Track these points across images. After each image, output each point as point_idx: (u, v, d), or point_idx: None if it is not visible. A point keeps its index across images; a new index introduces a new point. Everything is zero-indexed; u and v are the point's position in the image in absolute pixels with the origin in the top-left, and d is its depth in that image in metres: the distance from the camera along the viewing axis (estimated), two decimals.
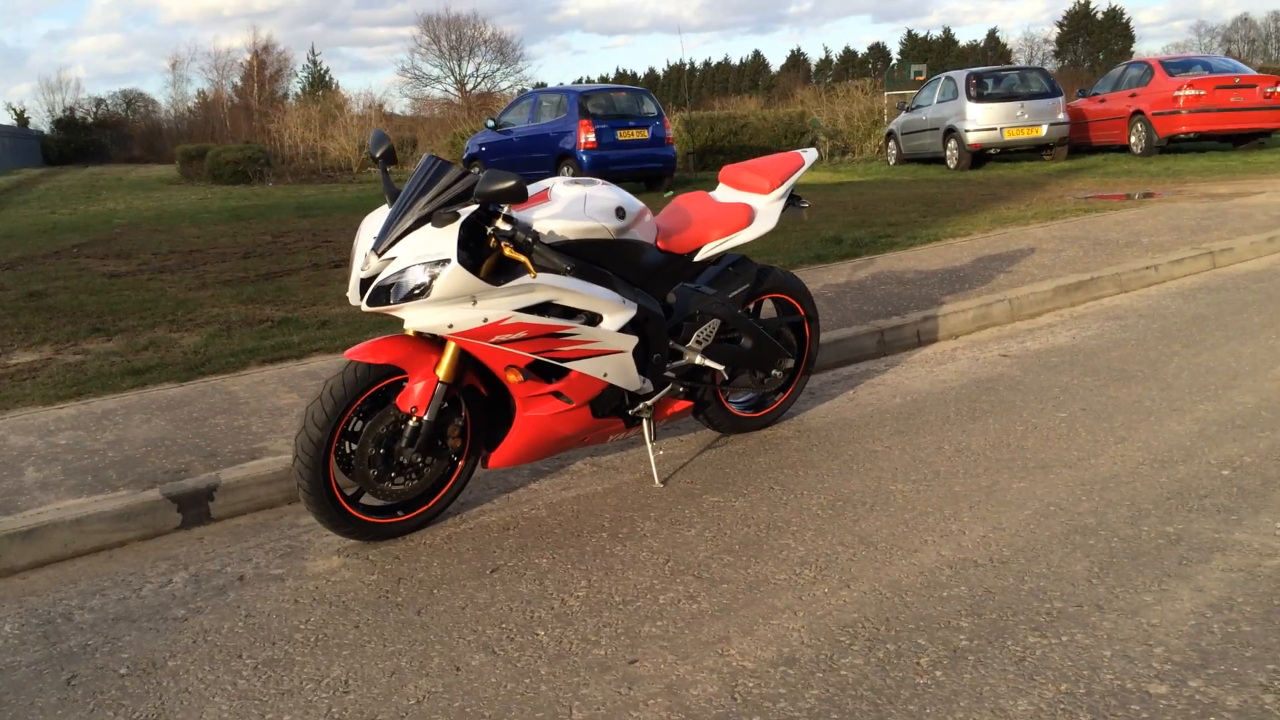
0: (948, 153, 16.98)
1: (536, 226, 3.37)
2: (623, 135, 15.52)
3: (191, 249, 10.58)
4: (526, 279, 3.27)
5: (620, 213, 3.58)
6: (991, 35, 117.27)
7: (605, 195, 3.61)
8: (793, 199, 4.13)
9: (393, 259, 3.21)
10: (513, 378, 3.37)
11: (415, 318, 3.22)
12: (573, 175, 14.79)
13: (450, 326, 3.22)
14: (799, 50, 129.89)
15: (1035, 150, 16.96)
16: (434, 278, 3.13)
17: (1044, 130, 16.34)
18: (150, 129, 52.45)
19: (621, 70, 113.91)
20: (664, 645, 2.65)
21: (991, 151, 16.66)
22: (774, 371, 4.17)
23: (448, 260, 3.13)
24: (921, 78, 37.41)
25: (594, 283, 3.51)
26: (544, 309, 3.36)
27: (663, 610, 2.84)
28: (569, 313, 3.43)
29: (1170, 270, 6.78)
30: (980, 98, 16.40)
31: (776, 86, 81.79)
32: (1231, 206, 9.29)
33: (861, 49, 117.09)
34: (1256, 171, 12.60)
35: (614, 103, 16.13)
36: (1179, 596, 2.65)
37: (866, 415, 4.41)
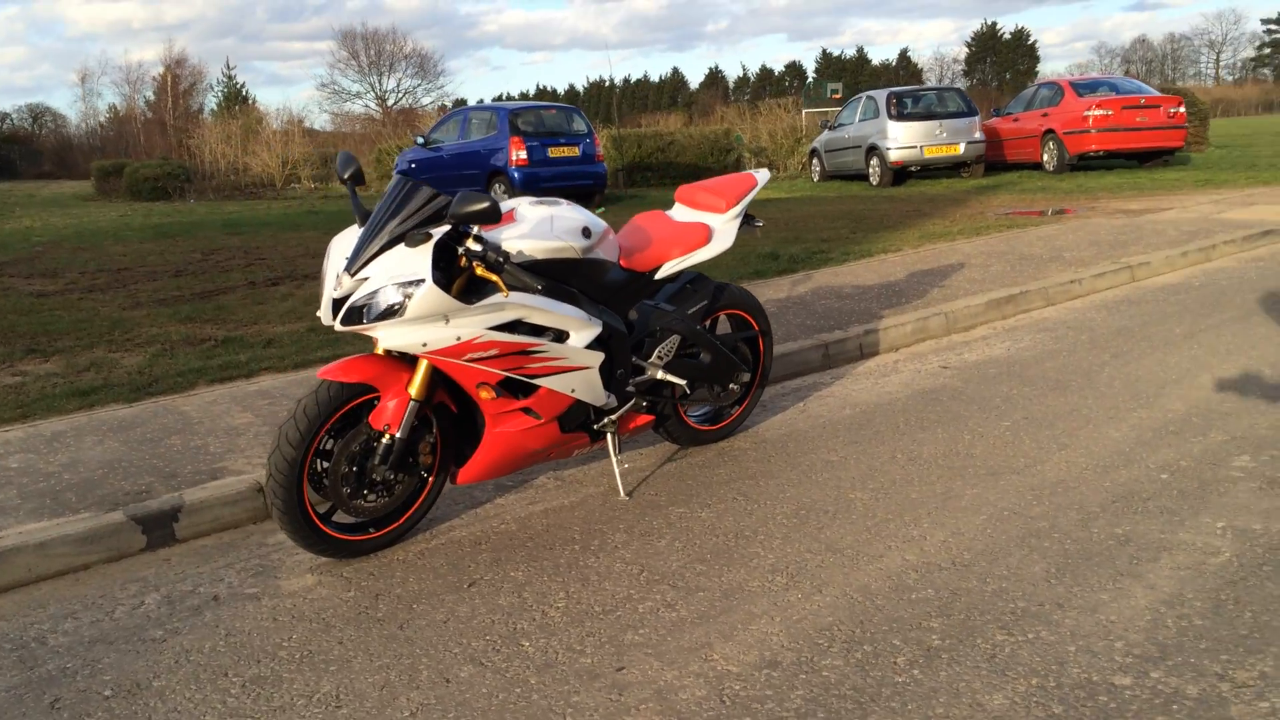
0: (870, 170, 17.38)
1: (505, 246, 3.44)
2: (554, 152, 15.61)
3: (120, 267, 10.39)
4: (498, 298, 3.34)
5: (586, 232, 3.67)
6: (903, 55, 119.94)
7: (571, 215, 3.69)
8: (747, 218, 4.26)
9: (366, 279, 3.25)
10: (485, 394, 3.43)
11: (390, 337, 3.26)
12: (504, 192, 14.86)
13: (424, 345, 3.27)
14: (717, 68, 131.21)
15: (953, 168, 17.44)
16: (409, 297, 3.18)
17: (962, 148, 16.82)
18: (60, 144, 51.11)
19: (542, 86, 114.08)
20: (648, 652, 2.73)
21: (912, 169, 17.10)
22: (731, 385, 4.29)
23: (423, 280, 3.18)
24: (838, 96, 38.19)
25: (561, 301, 3.58)
26: (514, 327, 3.43)
27: (643, 619, 2.92)
28: (538, 330, 3.51)
29: (1093, 284, 7.07)
30: (901, 116, 16.83)
31: (696, 103, 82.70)
32: (1144, 222, 9.69)
33: (778, 67, 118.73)
34: (1164, 188, 13.14)
35: (544, 120, 16.21)
36: (1133, 594, 2.81)
37: (819, 426, 4.55)
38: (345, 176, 3.62)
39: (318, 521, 3.39)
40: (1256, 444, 3.86)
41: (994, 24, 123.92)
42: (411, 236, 3.25)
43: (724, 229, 4.14)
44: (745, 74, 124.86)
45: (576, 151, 15.89)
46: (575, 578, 3.23)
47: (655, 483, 4.02)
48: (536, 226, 3.56)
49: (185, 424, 4.75)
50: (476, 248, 3.26)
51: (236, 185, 26.04)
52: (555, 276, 3.59)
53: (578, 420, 3.77)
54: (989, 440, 4.18)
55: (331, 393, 3.31)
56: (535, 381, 3.53)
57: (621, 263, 3.89)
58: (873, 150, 17.17)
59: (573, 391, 3.66)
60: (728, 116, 27.22)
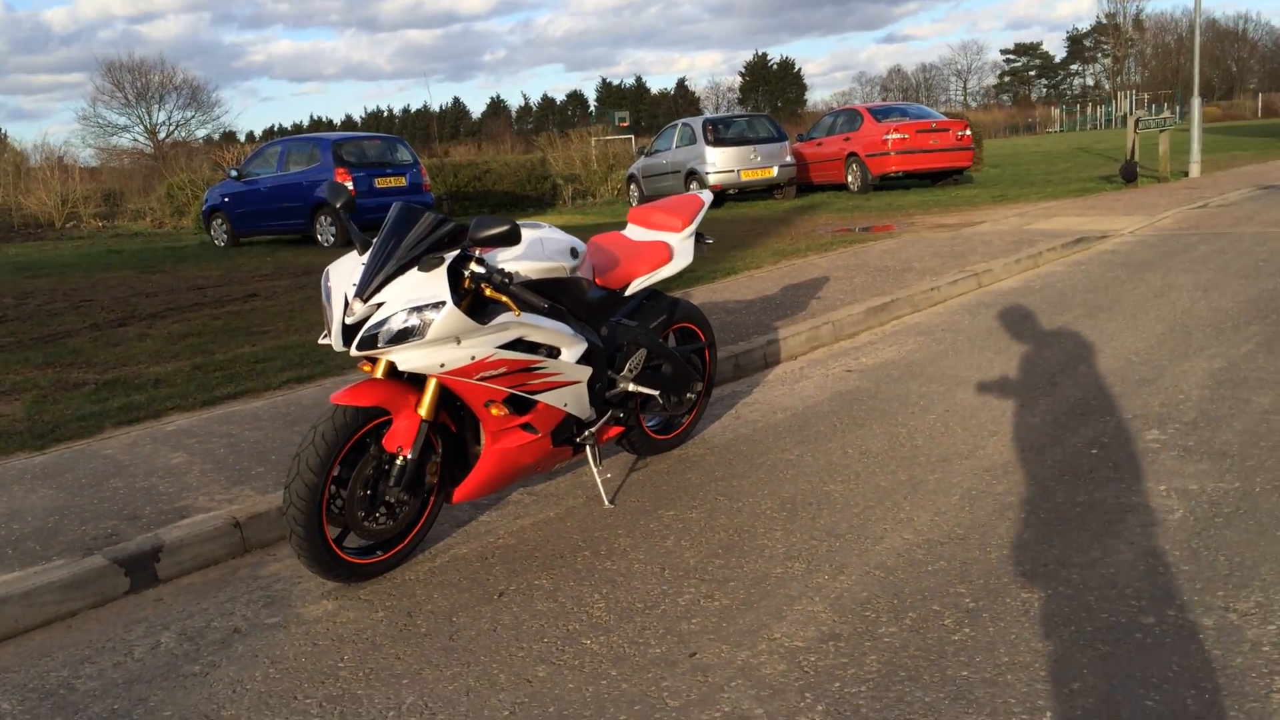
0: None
1: (504, 268, 3.55)
2: (381, 183, 15.44)
3: None
4: (509, 317, 3.45)
5: (574, 252, 3.82)
6: (681, 84, 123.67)
7: (558, 237, 3.84)
8: (698, 236, 4.51)
9: (381, 304, 3.30)
10: (495, 411, 3.53)
11: (409, 359, 3.32)
12: (330, 225, 14.58)
13: (442, 365, 3.35)
14: (499, 97, 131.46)
15: (767, 190, 18.28)
16: (429, 320, 3.26)
17: (775, 171, 17.69)
18: None
19: (316, 117, 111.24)
20: (712, 638, 2.91)
21: (730, 192, 17.82)
22: (688, 395, 4.51)
23: (443, 302, 3.27)
24: (625, 124, 39.07)
25: (552, 319, 3.72)
26: (516, 345, 3.55)
27: (689, 611, 3.10)
28: (535, 347, 3.63)
29: (949, 290, 7.69)
30: (718, 142, 17.55)
31: (481, 132, 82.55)
32: (968, 234, 10.54)
33: (560, 96, 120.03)
34: (965, 205, 14.25)
35: (368, 150, 16.02)
36: (1119, 550, 3.20)
37: (761, 430, 4.83)
38: (338, 205, 3.65)
39: (334, 547, 3.40)
40: (1158, 420, 4.39)
41: (764, 54, 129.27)
42: (425, 261, 3.32)
43: (682, 246, 4.37)
44: (528, 103, 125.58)
45: (404, 182, 15.77)
46: (602, 580, 3.37)
47: (630, 491, 4.18)
48: (529, 248, 3.69)
49: (117, 467, 4.58)
50: (481, 270, 3.37)
51: (10, 226, 24.33)
52: (546, 295, 3.72)
53: (566, 434, 3.91)
54: (924, 432, 4.56)
55: (348, 417, 3.34)
56: (535, 397, 3.65)
57: (598, 281, 4.06)
58: (692, 175, 17.80)
59: (565, 406, 3.80)
60: (538, 145, 27.42)
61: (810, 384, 5.60)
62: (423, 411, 3.43)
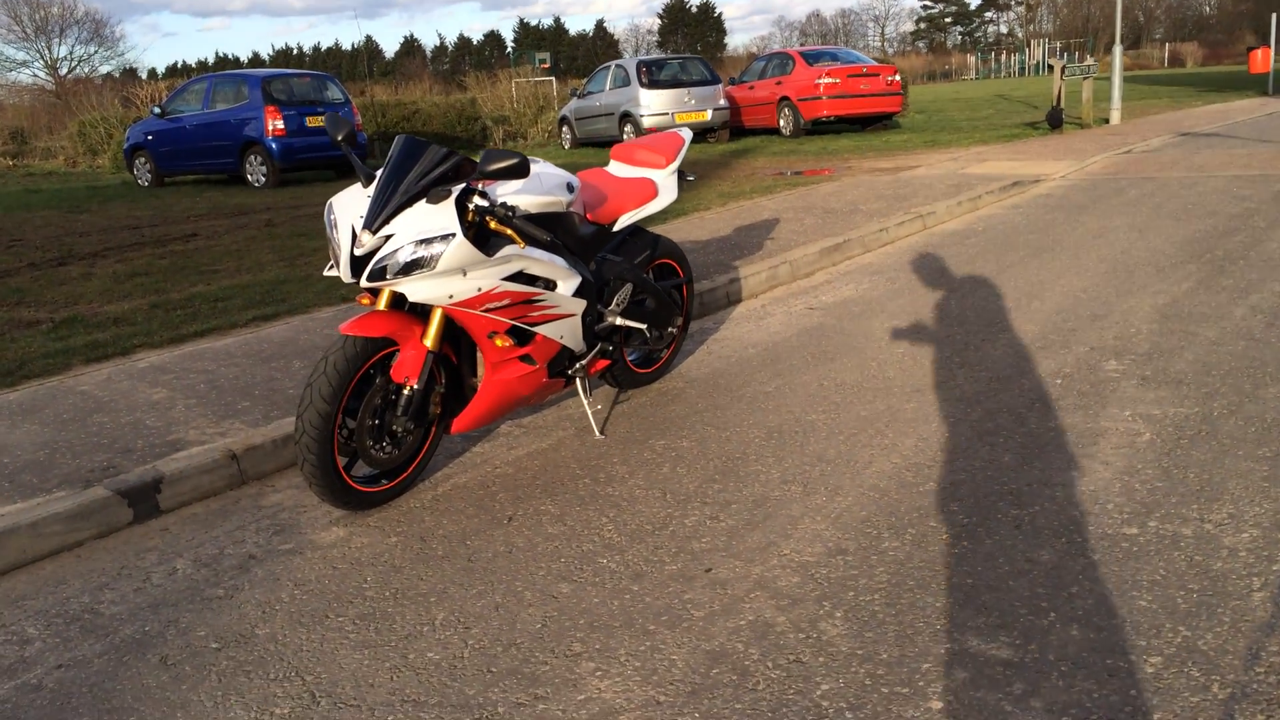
0: (624, 136, 17.98)
1: (504, 200, 3.62)
2: (312, 122, 15.16)
3: None
4: (512, 249, 3.53)
5: (570, 187, 3.90)
6: (600, 26, 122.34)
7: (554, 171, 3.91)
8: (680, 173, 4.60)
9: (390, 235, 3.35)
10: (500, 342, 3.61)
11: (419, 290, 3.38)
12: (261, 164, 14.29)
13: (450, 297, 3.42)
14: (413, 36, 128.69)
15: (701, 133, 18.33)
16: (440, 251, 3.32)
17: (709, 115, 17.75)
18: None
19: (222, 54, 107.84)
20: (725, 555, 3.07)
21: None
22: (670, 329, 4.63)
23: (453, 234, 3.33)
24: (545, 65, 38.60)
25: (550, 252, 3.80)
26: (516, 277, 3.63)
27: (697, 531, 3.24)
28: (533, 280, 3.72)
29: (897, 231, 7.90)
30: (652, 85, 17.54)
31: (396, 72, 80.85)
32: (906, 178, 10.78)
33: (476, 36, 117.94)
34: (898, 149, 14.51)
35: (298, 88, 15.69)
36: (1094, 470, 3.42)
37: (734, 364, 4.98)
38: (340, 138, 3.67)
39: (345, 475, 3.47)
40: (1115, 352, 4.64)
41: None
42: (433, 193, 3.37)
43: (666, 183, 4.46)
44: (443, 43, 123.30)
45: None
46: (607, 505, 3.50)
47: (619, 422, 4.31)
48: (528, 182, 3.75)
49: (97, 403, 4.56)
50: (484, 203, 3.43)
51: None
52: (543, 229, 3.79)
53: (560, 366, 4.01)
54: (893, 365, 4.75)
55: (358, 347, 3.39)
56: (534, 329, 3.74)
57: (589, 216, 4.14)
58: (626, 117, 17.78)
59: (561, 338, 3.90)
60: (463, 85, 27.00)
61: (775, 320, 5.76)
62: (428, 342, 3.50)
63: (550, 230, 3.83)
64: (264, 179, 15.02)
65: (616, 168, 4.56)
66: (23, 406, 4.56)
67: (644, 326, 4.32)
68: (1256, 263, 6.11)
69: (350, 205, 3.52)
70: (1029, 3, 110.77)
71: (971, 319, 5.41)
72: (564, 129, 20.32)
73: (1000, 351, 4.80)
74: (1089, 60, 16.20)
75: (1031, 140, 14.51)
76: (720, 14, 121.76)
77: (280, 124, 14.72)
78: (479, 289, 3.46)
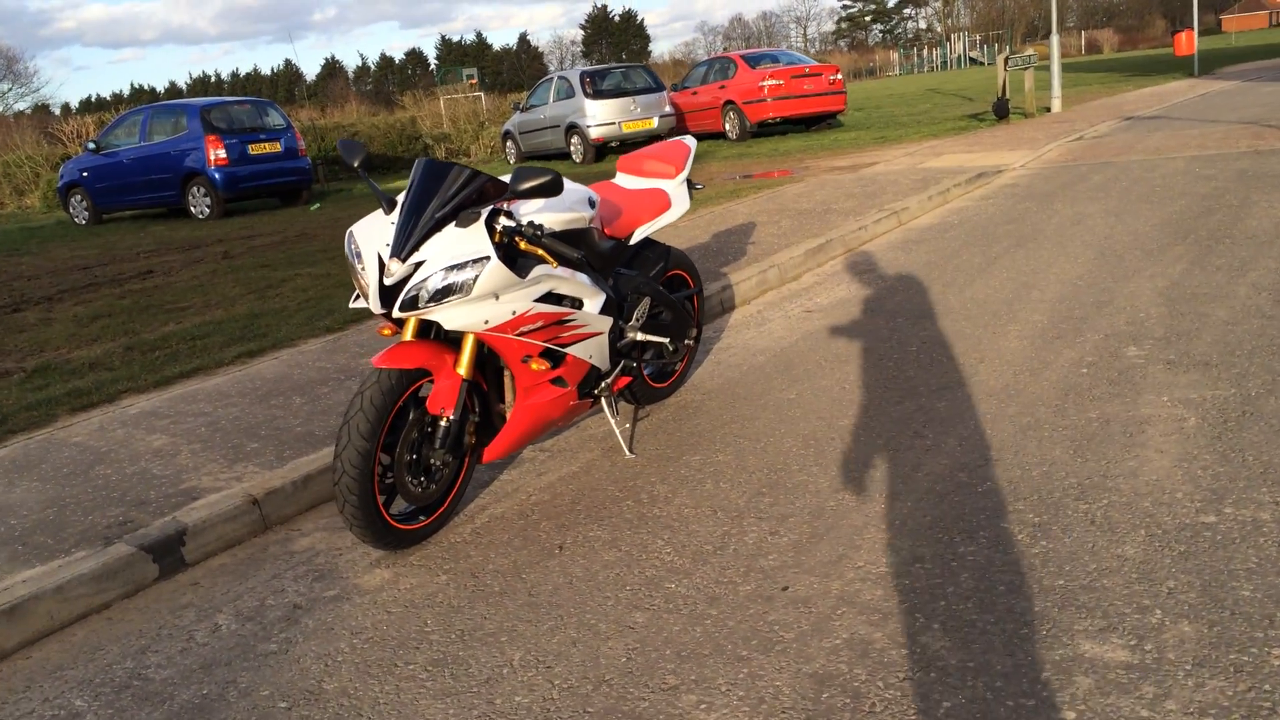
0: (571, 148, 17.88)
1: (528, 220, 3.50)
2: (255, 149, 14.85)
3: None
4: (545, 269, 3.41)
5: (591, 202, 3.79)
6: (523, 39, 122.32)
7: (575, 187, 3.80)
8: (688, 182, 4.51)
9: (421, 262, 3.22)
10: (535, 366, 3.49)
11: (453, 317, 3.25)
12: (205, 195, 13.97)
13: (486, 322, 3.29)
14: (334, 58, 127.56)
15: (648, 141, 18.27)
16: (475, 276, 3.20)
17: (655, 122, 17.71)
18: None
19: (137, 86, 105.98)
20: (798, 571, 2.97)
21: (612, 144, 17.77)
22: (686, 341, 4.54)
23: (487, 257, 3.21)
24: (473, 81, 38.41)
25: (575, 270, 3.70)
26: (545, 298, 3.51)
27: (761, 548, 3.15)
28: (560, 300, 3.60)
29: (874, 229, 7.89)
30: (597, 95, 17.45)
31: (320, 95, 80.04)
32: (869, 175, 10.81)
33: (398, 55, 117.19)
34: (849, 147, 14.57)
35: (238, 116, 15.35)
36: (1152, 459, 3.39)
37: (747, 373, 4.90)
38: (355, 164, 3.52)
39: (385, 514, 3.33)
40: (1131, 337, 4.63)
41: (604, 6, 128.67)
42: (463, 216, 3.25)
43: (678, 193, 4.37)
44: (365, 63, 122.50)
45: (278, 147, 15.21)
46: (659, 527, 3.39)
47: (645, 440, 4.20)
48: (551, 199, 3.64)
49: (95, 454, 4.36)
50: (511, 224, 3.32)
51: None
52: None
53: (589, 386, 3.90)
54: (911, 364, 4.70)
55: (393, 380, 3.26)
56: (565, 350, 3.63)
57: (606, 231, 4.03)
58: (573, 129, 17.67)
59: (590, 358, 3.78)
60: (400, 105, 26.70)
61: (776, 325, 5.69)
62: (462, 371, 3.37)
63: (573, 247, 3.71)
64: (208, 210, 14.67)
65: (625, 180, 4.46)
66: (16, 463, 4.34)
67: (666, 340, 4.22)
68: (1242, 241, 6.17)
69: (373, 233, 3.38)
70: None
71: (975, 312, 5.38)
72: (508, 144, 20.16)
73: (1016, 343, 4.77)
74: (1029, 51, 16.41)
75: (981, 132, 14.66)
76: (643, 21, 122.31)
77: (223, 153, 14.39)
78: (513, 312, 3.34)
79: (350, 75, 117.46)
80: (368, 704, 2.58)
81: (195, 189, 14.62)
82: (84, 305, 8.16)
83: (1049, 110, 16.56)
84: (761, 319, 5.89)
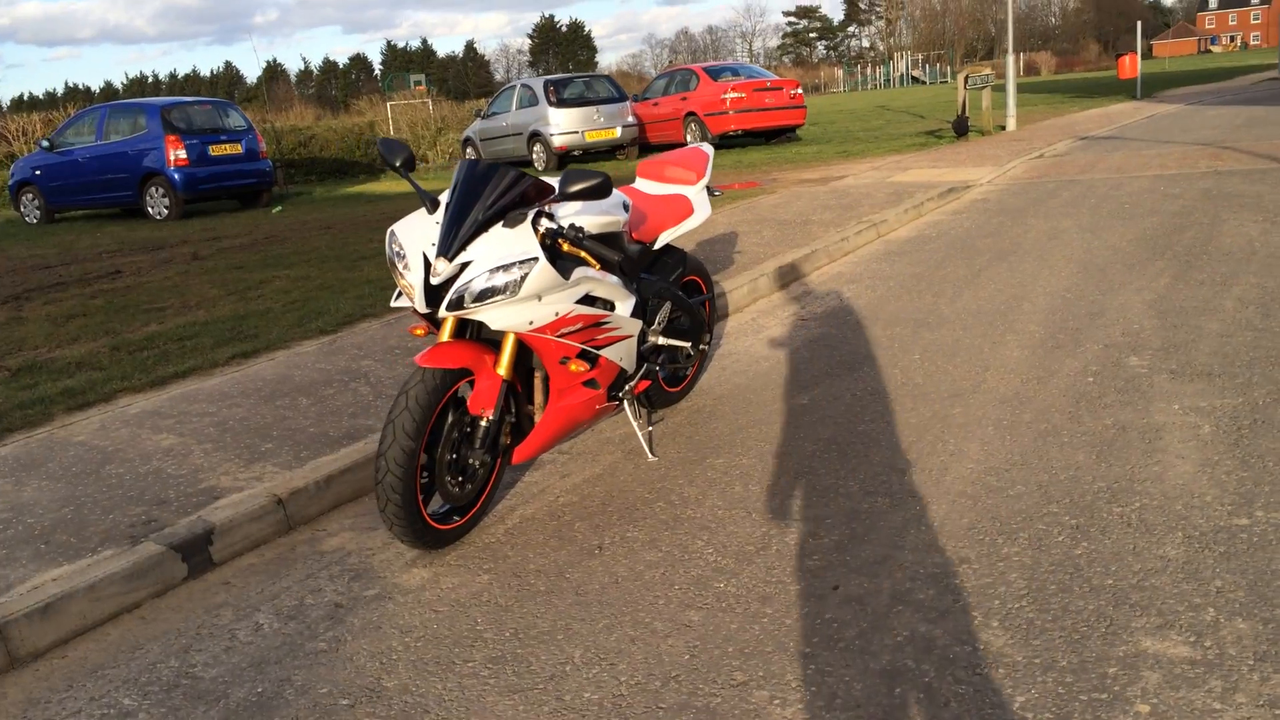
0: (533, 155, 17.87)
1: (565, 222, 3.52)
2: (215, 150, 14.65)
3: None
4: (586, 271, 3.44)
5: (626, 206, 3.82)
6: (469, 47, 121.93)
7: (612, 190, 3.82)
8: (708, 188, 4.56)
9: (469, 262, 3.23)
10: (575, 367, 3.51)
11: (500, 317, 3.26)
12: (163, 196, 13.75)
13: (530, 323, 3.31)
14: (276, 61, 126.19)
15: (610, 150, 18.34)
16: (523, 276, 3.21)
17: (618, 132, 17.78)
18: None
19: (72, 85, 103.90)
20: (845, 571, 3.02)
21: (575, 153, 17.80)
22: (701, 346, 4.58)
23: (536, 258, 3.23)
24: (421, 87, 38.25)
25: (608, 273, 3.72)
26: (583, 300, 3.54)
27: (804, 548, 3.19)
28: (594, 302, 3.63)
29: (856, 240, 8.00)
30: (561, 103, 17.47)
31: (261, 98, 79.16)
32: (842, 188, 10.95)
33: (341, 59, 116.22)
34: (813, 160, 14.74)
35: (198, 116, 15.12)
36: (1175, 465, 3.49)
37: (755, 379, 4.95)
38: (397, 164, 3.52)
39: (425, 514, 3.33)
40: (1130, 348, 4.76)
41: (551, 16, 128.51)
42: (511, 217, 3.27)
43: (699, 199, 4.41)
44: (308, 67, 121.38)
45: (239, 149, 15.02)
46: (695, 528, 3.42)
47: (665, 443, 4.23)
48: (588, 203, 3.67)
49: (103, 454, 4.28)
50: (553, 225, 3.34)
51: None
52: None
53: (616, 388, 3.92)
54: (918, 371, 4.78)
55: (437, 380, 3.26)
56: (599, 352, 3.65)
57: (633, 235, 4.06)
58: (535, 136, 17.67)
59: (620, 360, 3.81)
60: (362, 109, 26.49)
61: (775, 334, 5.75)
62: (502, 371, 3.38)
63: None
64: (166, 211, 14.44)
65: (646, 185, 4.49)
66: (21, 462, 4.25)
67: (688, 344, 4.26)
68: (1219, 257, 6.36)
69: (418, 233, 3.38)
70: (888, 17, 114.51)
71: (971, 322, 5.49)
72: (468, 150, 20.08)
73: (1017, 352, 4.87)
74: (987, 71, 16.74)
75: (943, 148, 14.91)
76: (590, 32, 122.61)
77: (183, 153, 14.17)
78: (556, 313, 3.36)
79: (293, 79, 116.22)
80: (433, 700, 2.58)
81: (153, 189, 14.38)
82: (54, 305, 7.99)
83: (1004, 129, 16.90)
84: (758, 326, 5.95)
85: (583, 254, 3.38)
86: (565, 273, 3.36)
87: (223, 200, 15.89)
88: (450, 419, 3.35)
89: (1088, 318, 5.32)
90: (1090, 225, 7.89)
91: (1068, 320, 5.32)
